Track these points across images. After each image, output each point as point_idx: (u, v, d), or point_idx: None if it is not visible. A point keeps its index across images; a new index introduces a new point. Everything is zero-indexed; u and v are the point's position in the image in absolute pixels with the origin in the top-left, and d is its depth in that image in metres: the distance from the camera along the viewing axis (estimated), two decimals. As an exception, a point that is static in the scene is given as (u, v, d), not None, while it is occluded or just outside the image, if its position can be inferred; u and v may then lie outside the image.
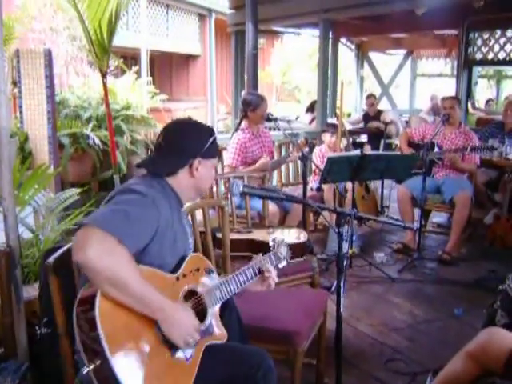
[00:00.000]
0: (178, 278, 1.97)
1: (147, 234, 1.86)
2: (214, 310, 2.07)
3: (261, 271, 2.27)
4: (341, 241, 2.23)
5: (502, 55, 7.80)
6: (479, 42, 7.90)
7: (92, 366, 1.64)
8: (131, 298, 1.70)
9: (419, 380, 3.14)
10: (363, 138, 9.18)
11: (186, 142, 2.09)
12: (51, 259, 2.11)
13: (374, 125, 8.90)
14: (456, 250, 5.27)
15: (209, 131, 2.16)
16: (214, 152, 2.18)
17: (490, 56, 7.89)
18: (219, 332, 2.09)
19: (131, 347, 1.70)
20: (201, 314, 1.99)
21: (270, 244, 2.37)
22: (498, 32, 7.74)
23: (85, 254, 1.64)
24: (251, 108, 4.96)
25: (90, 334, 1.67)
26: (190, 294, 2.00)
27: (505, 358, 2.17)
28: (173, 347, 1.82)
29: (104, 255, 1.66)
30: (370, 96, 9.46)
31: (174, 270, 1.98)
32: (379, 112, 9.09)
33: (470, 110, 9.83)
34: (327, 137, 5.85)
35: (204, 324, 1.98)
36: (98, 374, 1.64)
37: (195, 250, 2.47)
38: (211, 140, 2.12)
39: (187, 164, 2.08)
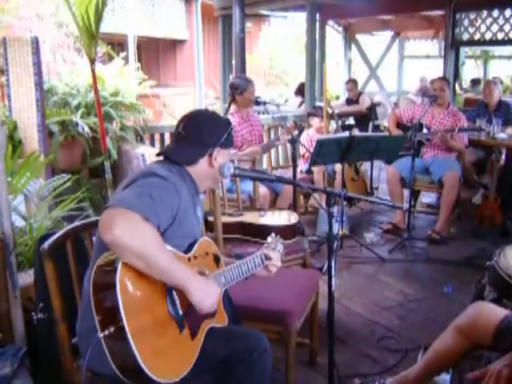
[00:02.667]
0: (189, 259, 2.06)
1: (168, 215, 1.93)
2: None
3: (267, 258, 2.33)
4: (331, 221, 2.26)
5: (488, 35, 7.81)
6: (466, 22, 7.91)
7: (106, 332, 1.71)
8: (159, 271, 1.79)
9: (411, 356, 3.21)
10: (351, 120, 9.20)
11: (206, 131, 2.17)
12: (46, 245, 2.15)
13: (351, 110, 8.92)
14: (445, 229, 5.33)
15: (226, 122, 2.26)
16: (231, 142, 2.26)
17: (477, 36, 7.91)
18: (221, 315, 2.16)
19: (145, 318, 1.78)
20: None
21: (269, 240, 2.42)
22: (485, 12, 7.74)
23: (112, 233, 1.71)
24: (238, 91, 4.98)
25: (106, 301, 1.76)
26: None
27: (493, 332, 2.22)
28: (181, 324, 1.90)
29: (131, 232, 1.73)
30: (349, 81, 9.46)
31: (186, 252, 2.06)
32: (360, 95, 9.10)
33: (458, 90, 9.87)
34: (316, 121, 5.86)
35: None
36: (110, 340, 1.73)
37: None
38: (229, 130, 2.21)
39: (207, 153, 2.16)
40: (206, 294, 1.89)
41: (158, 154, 2.25)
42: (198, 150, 2.16)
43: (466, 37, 7.97)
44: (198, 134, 2.16)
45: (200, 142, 2.16)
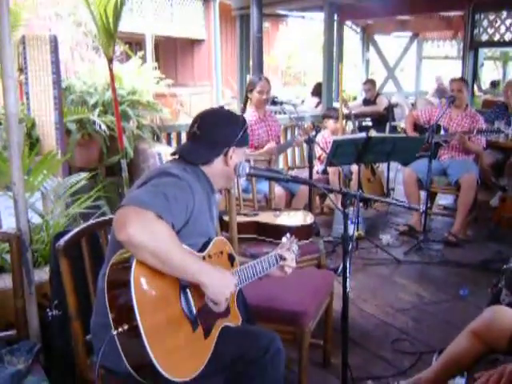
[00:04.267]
0: (204, 258, 2.05)
1: (183, 214, 1.93)
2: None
3: (282, 259, 2.33)
4: (346, 221, 2.25)
5: (508, 36, 7.72)
6: (485, 23, 7.83)
7: (120, 330, 1.72)
8: (173, 266, 1.79)
9: (425, 359, 3.19)
10: (368, 121, 9.16)
11: (221, 131, 2.16)
12: (61, 242, 2.15)
13: (368, 110, 8.87)
14: (462, 231, 5.29)
15: (241, 120, 2.24)
16: (246, 140, 2.25)
17: (496, 37, 7.82)
18: (235, 315, 2.16)
19: (159, 316, 1.79)
20: None
21: (284, 241, 2.42)
22: (504, 13, 7.66)
23: (127, 232, 1.71)
24: (250, 88, 4.98)
25: (120, 299, 1.76)
26: None
27: (508, 336, 2.20)
28: (194, 323, 1.90)
29: (144, 230, 1.73)
30: (367, 81, 9.41)
31: (201, 250, 2.06)
32: (377, 95, 9.06)
33: (476, 92, 9.79)
34: (331, 123, 5.85)
35: None
36: (123, 338, 1.74)
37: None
38: (244, 128, 2.20)
39: (222, 153, 2.15)
40: (221, 286, 1.88)
41: (173, 154, 2.24)
42: (214, 149, 2.15)
43: (485, 38, 7.88)
44: (213, 133, 2.15)
45: (215, 142, 2.15)
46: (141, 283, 1.76)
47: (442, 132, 5.40)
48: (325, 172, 5.65)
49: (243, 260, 2.36)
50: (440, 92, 9.48)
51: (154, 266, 1.77)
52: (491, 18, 7.79)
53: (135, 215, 1.75)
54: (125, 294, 1.72)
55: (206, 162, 2.15)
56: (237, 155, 2.18)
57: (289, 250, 2.38)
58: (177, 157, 2.20)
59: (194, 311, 1.89)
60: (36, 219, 3.41)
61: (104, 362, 1.87)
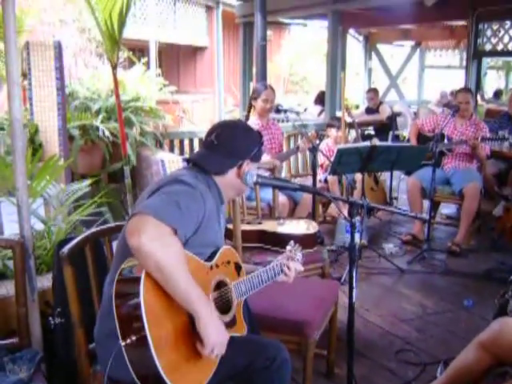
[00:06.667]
0: (211, 267, 2.03)
1: (194, 223, 1.92)
2: (237, 303, 2.12)
3: (287, 267, 2.34)
4: (354, 231, 2.23)
5: (511, 46, 7.74)
6: (489, 32, 7.83)
7: (128, 341, 1.69)
8: (175, 289, 1.75)
9: (429, 370, 3.16)
10: (370, 130, 9.15)
11: (239, 143, 2.17)
12: (65, 249, 2.13)
13: (371, 119, 8.87)
14: (465, 241, 5.26)
15: (258, 135, 2.25)
16: (260, 155, 2.25)
17: (500, 47, 7.82)
18: (241, 325, 2.13)
19: (167, 328, 1.76)
20: (226, 305, 2.06)
21: (288, 249, 2.41)
22: (508, 23, 7.67)
23: (140, 239, 1.69)
24: (254, 96, 4.96)
25: (128, 309, 1.73)
26: (220, 285, 2.05)
27: (517, 348, 2.18)
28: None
29: (158, 242, 1.71)
30: (370, 90, 9.41)
31: (208, 260, 2.04)
32: (380, 104, 9.05)
33: (480, 101, 9.78)
34: (333, 132, 5.85)
35: (229, 315, 2.05)
36: (130, 348, 1.70)
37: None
38: (260, 144, 2.21)
39: (236, 165, 2.16)
40: (215, 330, 1.82)
41: (187, 160, 2.23)
42: (230, 160, 2.15)
43: (488, 47, 7.88)
44: (231, 144, 2.15)
45: (232, 153, 2.15)
46: (150, 293, 1.73)
47: (446, 141, 5.39)
48: (327, 180, 5.63)
49: (249, 267, 2.34)
50: (444, 104, 9.49)
51: (156, 279, 1.74)
52: (495, 27, 7.79)
53: (152, 226, 1.73)
54: (133, 304, 1.70)
55: (220, 172, 2.14)
56: (249, 169, 2.18)
57: (293, 258, 2.37)
58: (186, 164, 2.19)
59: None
60: (38, 225, 3.38)
61: (108, 372, 1.84)
